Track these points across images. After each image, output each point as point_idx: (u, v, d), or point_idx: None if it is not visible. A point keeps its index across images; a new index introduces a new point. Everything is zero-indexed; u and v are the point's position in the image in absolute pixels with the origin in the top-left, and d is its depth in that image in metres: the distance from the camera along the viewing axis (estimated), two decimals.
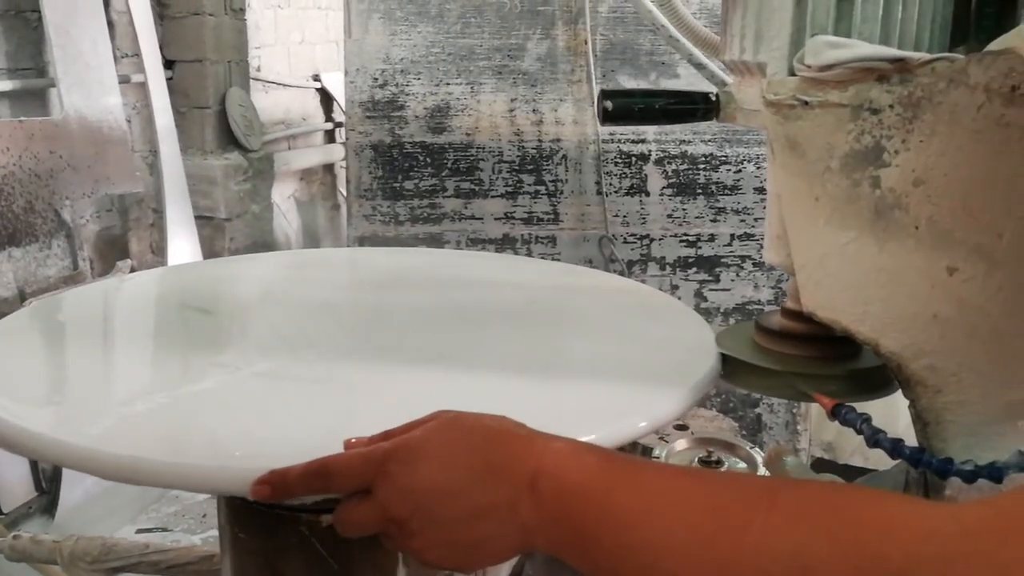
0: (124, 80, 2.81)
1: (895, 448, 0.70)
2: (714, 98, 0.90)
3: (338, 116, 4.44)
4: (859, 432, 0.73)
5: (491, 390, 0.81)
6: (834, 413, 0.76)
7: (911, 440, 0.72)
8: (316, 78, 4.32)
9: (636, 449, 1.52)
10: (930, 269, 0.67)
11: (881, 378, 0.80)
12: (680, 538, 0.50)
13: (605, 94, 0.92)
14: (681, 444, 1.54)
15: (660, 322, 1.04)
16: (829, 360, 0.83)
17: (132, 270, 2.80)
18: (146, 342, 1.02)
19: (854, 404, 0.77)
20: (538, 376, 0.85)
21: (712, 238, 2.25)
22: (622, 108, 0.92)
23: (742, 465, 1.46)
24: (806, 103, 0.71)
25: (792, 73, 0.74)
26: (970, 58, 0.63)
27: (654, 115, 0.94)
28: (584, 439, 0.62)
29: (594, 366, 0.90)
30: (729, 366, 0.87)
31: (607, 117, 0.92)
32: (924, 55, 0.66)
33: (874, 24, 0.74)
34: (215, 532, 2.39)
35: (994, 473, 0.65)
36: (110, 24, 2.74)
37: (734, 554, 0.48)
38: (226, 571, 0.87)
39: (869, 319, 0.72)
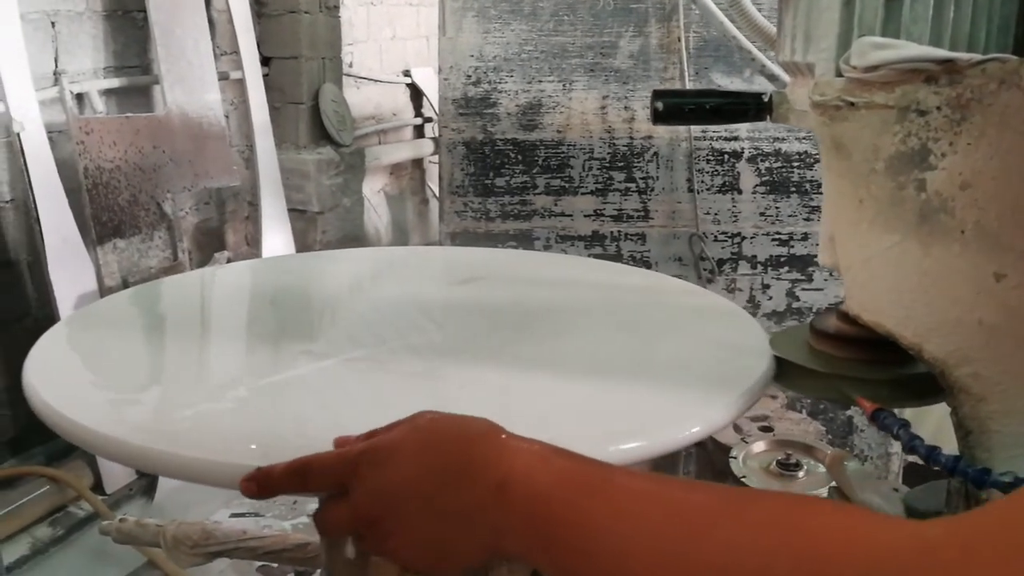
0: (223, 77, 2.89)
1: (930, 455, 0.69)
2: (766, 99, 0.90)
3: (427, 111, 4.48)
4: (896, 438, 0.72)
5: (555, 390, 0.83)
6: (873, 417, 0.75)
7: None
8: (406, 74, 4.36)
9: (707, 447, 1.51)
10: (976, 274, 0.66)
11: (933, 384, 0.78)
12: (644, 544, 0.50)
13: (657, 94, 0.93)
14: (759, 446, 1.53)
15: (717, 325, 1.05)
16: (881, 364, 0.81)
17: (228, 262, 2.87)
18: (237, 330, 1.07)
19: (910, 408, 0.75)
20: (609, 377, 0.87)
21: (805, 237, 2.22)
22: (673, 108, 0.94)
23: (821, 469, 1.44)
24: (852, 104, 0.70)
25: (839, 74, 0.73)
26: (1023, 59, 0.61)
27: (704, 115, 0.95)
28: (633, 444, 0.64)
29: (666, 370, 0.92)
30: (781, 368, 0.86)
31: (657, 117, 0.93)
32: (974, 56, 0.64)
33: (924, 25, 0.73)
34: (305, 519, 2.46)
35: None
36: (210, 23, 2.81)
37: (697, 562, 0.48)
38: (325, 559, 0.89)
39: (913, 323, 0.71)
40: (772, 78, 1.73)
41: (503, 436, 0.58)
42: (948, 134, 0.65)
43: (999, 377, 0.67)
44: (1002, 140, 0.62)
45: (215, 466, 0.66)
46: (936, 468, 0.68)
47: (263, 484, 0.62)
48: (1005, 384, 0.67)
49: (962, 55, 0.65)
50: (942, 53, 0.66)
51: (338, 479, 0.59)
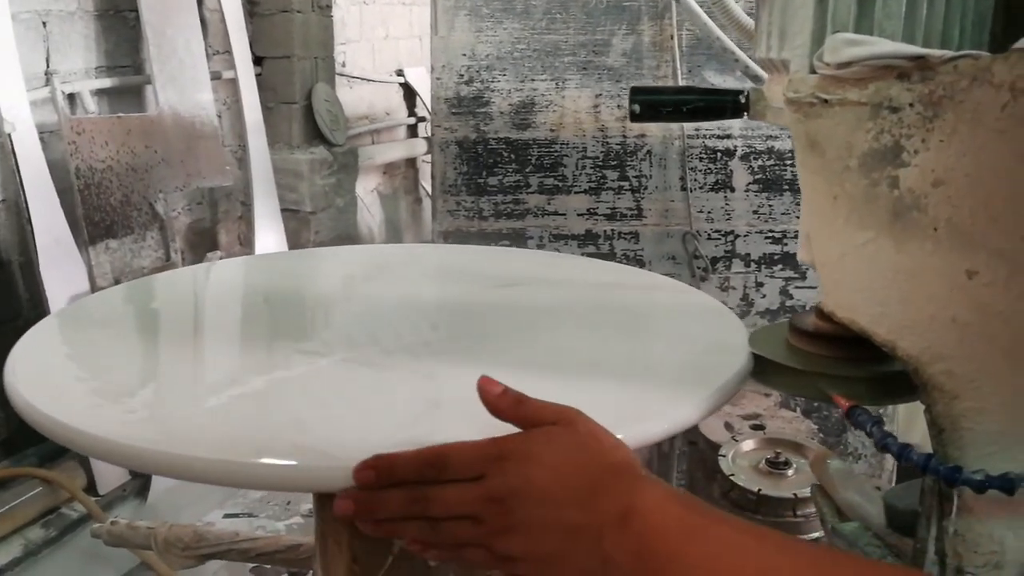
0: (215, 76, 2.88)
1: (902, 453, 0.69)
2: (744, 97, 0.90)
3: (421, 111, 4.48)
4: (869, 435, 0.72)
5: (540, 386, 0.82)
6: (848, 415, 0.75)
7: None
8: (399, 73, 4.37)
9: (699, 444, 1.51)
10: (949, 272, 0.65)
11: (910, 382, 0.77)
12: None
13: (635, 92, 0.93)
14: (749, 444, 1.53)
15: (693, 320, 1.05)
16: (858, 362, 0.81)
17: None
18: (230, 329, 1.06)
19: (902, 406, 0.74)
20: (590, 374, 0.87)
21: (798, 235, 2.21)
22: (649, 107, 0.94)
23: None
24: (826, 101, 0.70)
25: (813, 71, 0.73)
26: (995, 56, 0.61)
27: (682, 114, 0.95)
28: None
29: (644, 366, 0.93)
30: (760, 365, 0.87)
31: (635, 117, 0.93)
32: (946, 52, 0.64)
33: (897, 21, 0.73)
34: (299, 519, 2.46)
35: (1005, 484, 0.63)
36: (203, 22, 2.81)
37: None
38: (318, 562, 0.89)
39: (886, 320, 0.71)
40: (756, 79, 1.73)
41: (636, 473, 0.61)
42: (921, 131, 0.65)
43: (972, 375, 0.67)
44: (974, 137, 0.62)
45: (208, 463, 0.66)
46: (906, 465, 0.68)
47: (384, 472, 0.62)
48: (978, 382, 0.67)
49: (934, 52, 0.64)
50: (914, 50, 0.66)
51: (480, 470, 0.61)
